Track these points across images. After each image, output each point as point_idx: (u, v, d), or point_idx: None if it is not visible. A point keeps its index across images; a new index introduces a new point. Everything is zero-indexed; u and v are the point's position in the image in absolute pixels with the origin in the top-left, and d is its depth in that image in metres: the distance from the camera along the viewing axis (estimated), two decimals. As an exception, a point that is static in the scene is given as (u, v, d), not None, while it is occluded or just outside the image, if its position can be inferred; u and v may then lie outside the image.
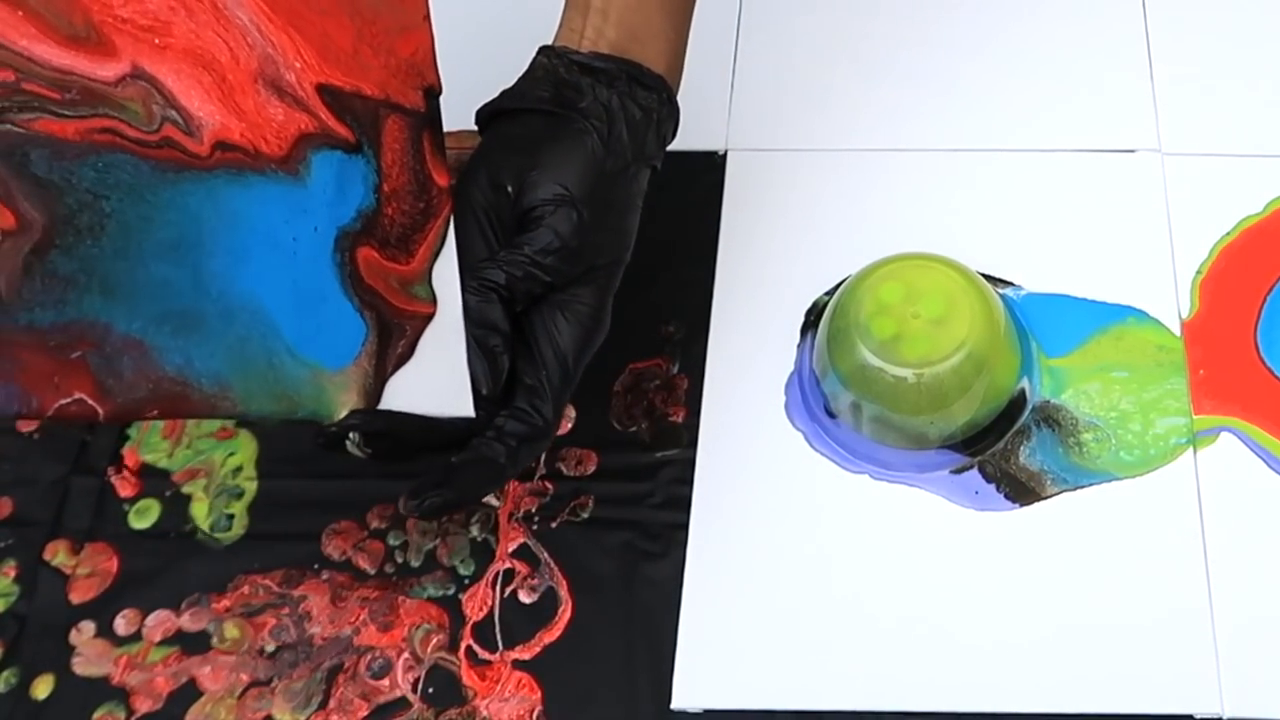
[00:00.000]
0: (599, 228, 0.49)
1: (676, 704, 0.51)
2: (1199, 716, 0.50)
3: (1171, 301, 0.58)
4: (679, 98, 0.53)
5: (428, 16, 0.45)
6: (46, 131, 0.43)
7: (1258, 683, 0.50)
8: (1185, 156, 0.62)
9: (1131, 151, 0.62)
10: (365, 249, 0.47)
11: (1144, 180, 0.61)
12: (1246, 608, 0.51)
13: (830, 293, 0.59)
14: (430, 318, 0.47)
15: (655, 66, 0.51)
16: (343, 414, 0.47)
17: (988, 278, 0.57)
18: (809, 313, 0.59)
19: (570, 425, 0.57)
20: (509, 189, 0.49)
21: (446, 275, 0.47)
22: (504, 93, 0.51)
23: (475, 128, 0.52)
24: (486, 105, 0.51)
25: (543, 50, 0.51)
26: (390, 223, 0.47)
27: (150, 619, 0.54)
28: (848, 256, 0.58)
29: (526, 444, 0.48)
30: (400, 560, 0.55)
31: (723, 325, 0.59)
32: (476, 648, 0.53)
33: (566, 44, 0.51)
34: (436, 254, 0.47)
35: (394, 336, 0.47)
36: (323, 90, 0.45)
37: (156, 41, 0.43)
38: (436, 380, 0.47)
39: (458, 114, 0.49)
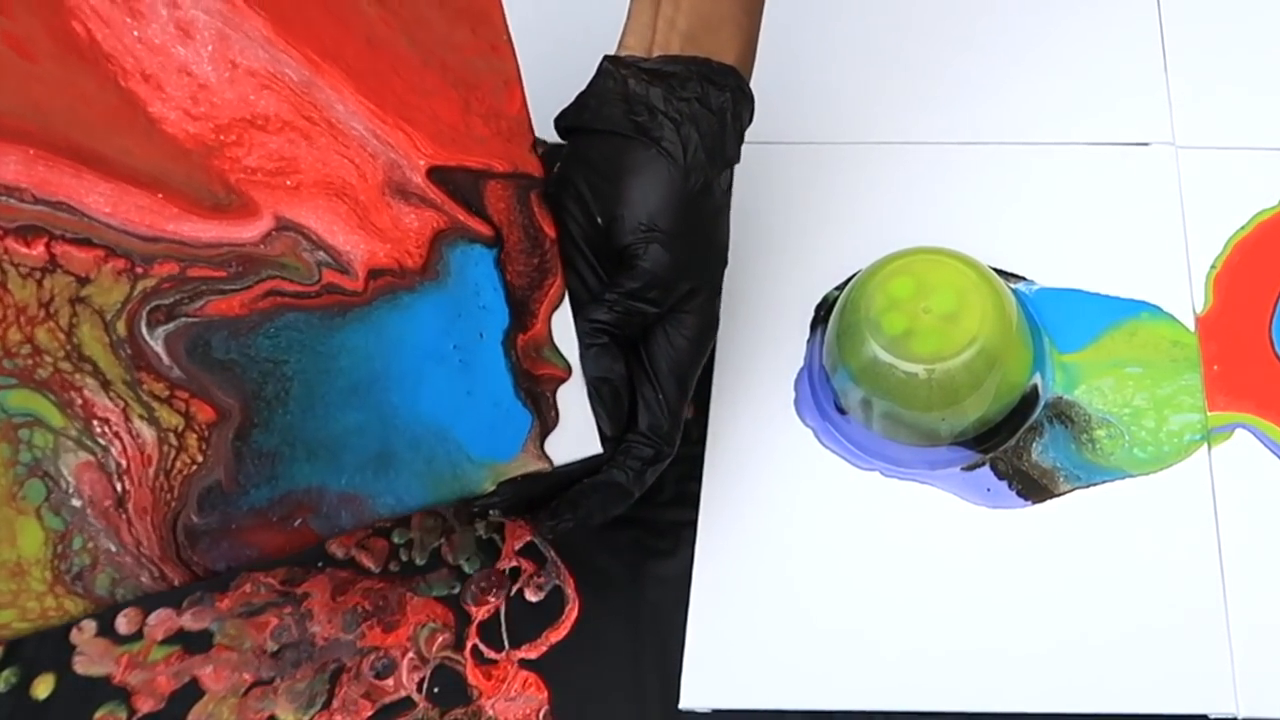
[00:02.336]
0: (692, 248, 0.49)
1: (685, 704, 0.51)
2: (1214, 716, 0.49)
3: (1185, 296, 0.57)
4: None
5: (518, 65, 0.46)
6: (218, 313, 0.44)
7: (1273, 682, 0.50)
8: (1199, 150, 0.61)
9: (1145, 145, 0.62)
10: (518, 334, 0.47)
11: (1158, 174, 0.61)
12: (1262, 606, 0.51)
13: (840, 288, 0.58)
14: (562, 381, 0.48)
15: (727, 53, 0.51)
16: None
17: (999, 272, 0.57)
18: (819, 308, 0.58)
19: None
20: (599, 220, 0.49)
21: (565, 324, 0.48)
22: (579, 104, 0.50)
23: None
24: (564, 116, 0.51)
25: (609, 59, 0.50)
26: (511, 289, 0.47)
27: (152, 618, 0.53)
28: (858, 251, 0.58)
29: (649, 465, 0.49)
30: (405, 558, 0.54)
31: (732, 321, 0.58)
32: (482, 647, 0.52)
33: (636, 41, 0.51)
34: (555, 308, 0.47)
35: (544, 407, 0.48)
36: (433, 173, 0.45)
37: (289, 183, 0.44)
38: (570, 428, 0.48)
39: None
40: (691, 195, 0.49)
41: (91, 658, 0.52)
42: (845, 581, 0.53)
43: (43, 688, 0.52)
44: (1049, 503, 0.54)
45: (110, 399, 0.43)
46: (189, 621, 0.53)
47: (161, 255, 0.43)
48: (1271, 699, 0.49)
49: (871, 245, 0.56)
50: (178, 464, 0.44)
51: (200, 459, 0.44)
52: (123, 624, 0.53)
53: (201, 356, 0.44)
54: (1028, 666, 0.50)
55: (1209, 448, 0.54)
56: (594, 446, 0.48)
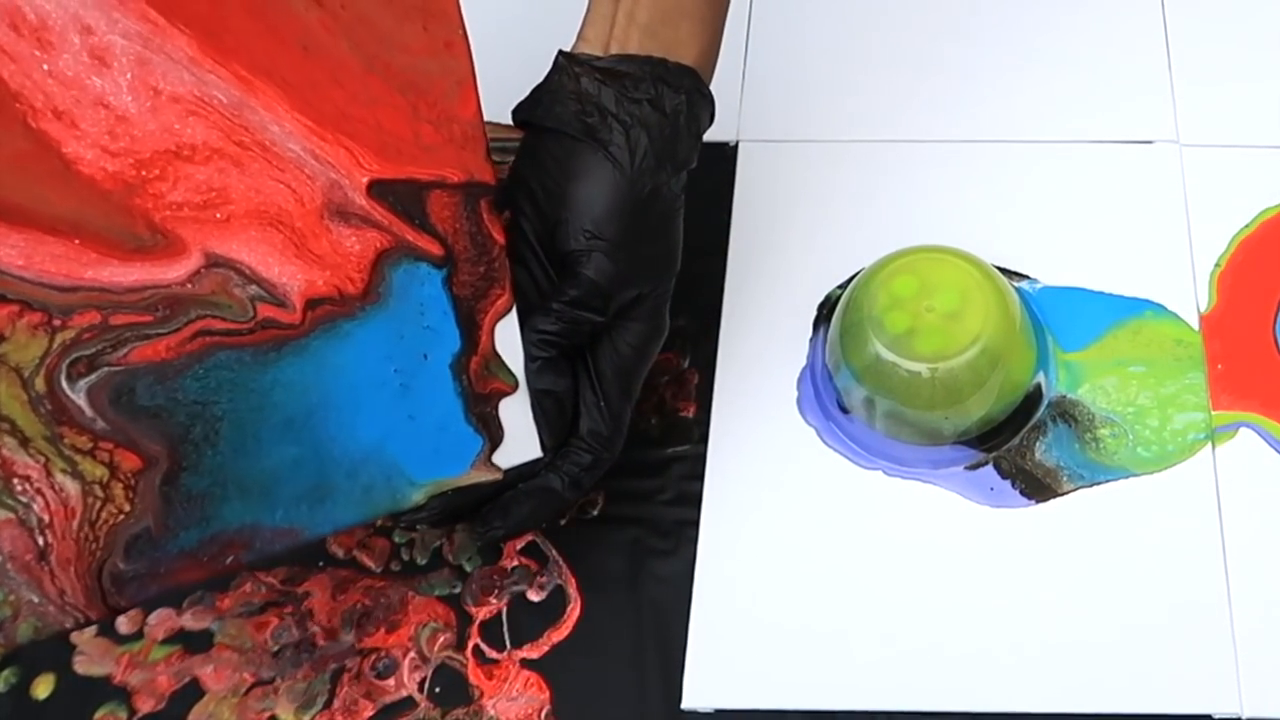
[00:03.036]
0: (638, 256, 0.48)
1: (687, 704, 0.51)
2: (1218, 716, 0.49)
3: (1190, 295, 0.57)
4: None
5: (473, 62, 0.44)
6: (143, 359, 0.41)
7: (1278, 682, 0.49)
8: (1203, 148, 0.61)
9: (1149, 143, 0.61)
10: (470, 358, 0.46)
11: (1162, 172, 0.61)
12: (1266, 606, 0.51)
13: (843, 286, 0.58)
14: (508, 394, 0.47)
15: (687, 50, 0.50)
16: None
17: (1003, 271, 0.56)
18: (821, 306, 0.58)
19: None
20: (549, 221, 0.48)
21: (510, 333, 0.47)
22: (534, 99, 0.50)
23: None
24: (520, 109, 0.50)
25: (564, 55, 0.50)
26: (459, 304, 0.46)
27: (152, 617, 0.53)
28: (861, 249, 0.57)
29: (587, 472, 0.49)
30: (406, 558, 0.54)
31: (734, 319, 0.58)
32: (484, 646, 0.52)
33: (595, 34, 0.50)
34: (501, 318, 0.46)
35: (492, 427, 0.47)
36: (374, 187, 0.43)
37: (218, 215, 0.41)
38: (512, 435, 0.47)
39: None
40: (638, 202, 0.48)
41: (92, 657, 0.52)
42: (848, 581, 0.52)
43: (43, 688, 0.52)
44: (1052, 502, 0.53)
45: (30, 456, 0.41)
46: (189, 621, 0.53)
47: (81, 305, 0.40)
48: (1276, 699, 0.49)
49: (874, 244, 0.56)
50: (103, 514, 0.42)
51: (128, 508, 0.42)
52: (123, 624, 0.53)
53: (126, 405, 0.42)
54: (1031, 666, 0.50)
55: (1213, 447, 0.54)
56: (534, 451, 0.48)
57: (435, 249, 0.44)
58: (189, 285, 0.42)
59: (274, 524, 0.44)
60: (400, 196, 0.44)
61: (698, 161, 0.51)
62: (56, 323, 0.40)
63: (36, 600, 0.42)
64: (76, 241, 0.40)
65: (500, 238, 0.46)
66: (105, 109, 0.39)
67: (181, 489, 0.43)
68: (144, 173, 0.40)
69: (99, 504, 0.42)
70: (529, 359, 0.47)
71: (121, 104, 0.39)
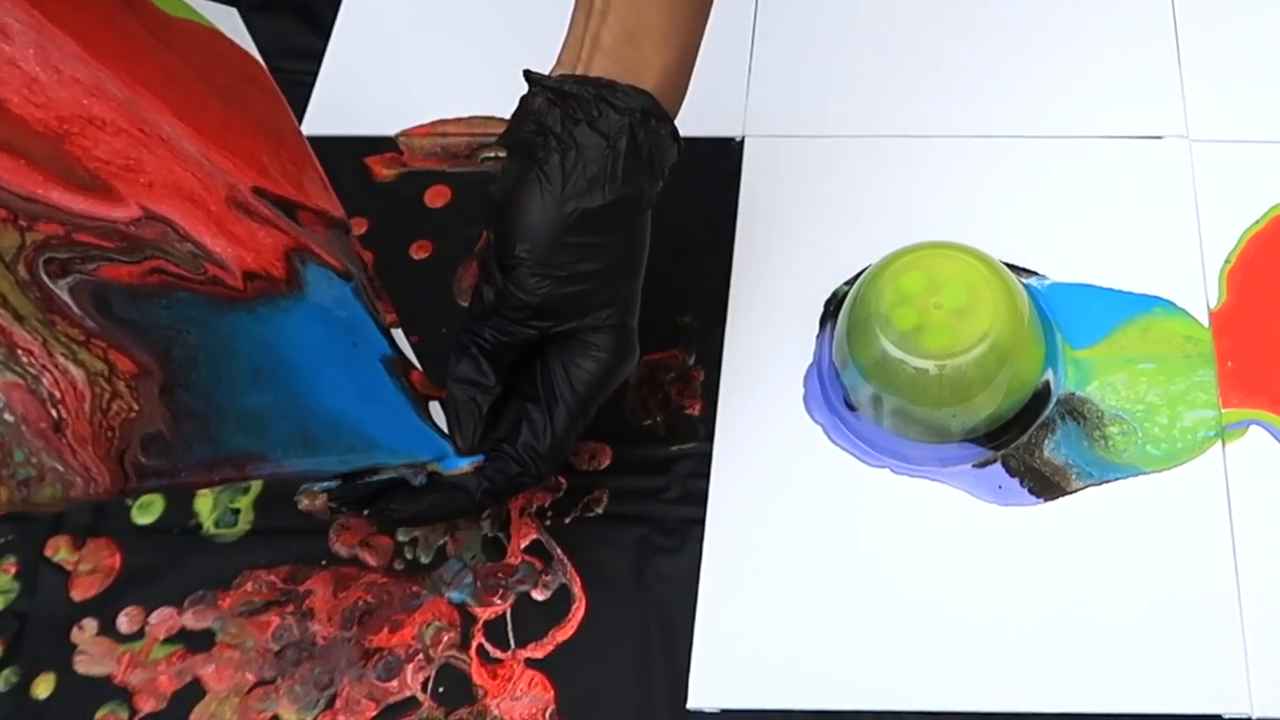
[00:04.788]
0: (568, 276, 0.48)
1: (692, 703, 0.50)
2: (1227, 716, 0.49)
3: (1199, 291, 0.57)
4: (692, 85, 0.51)
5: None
6: (112, 277, 0.41)
7: (1288, 682, 0.49)
8: (1213, 143, 0.61)
9: (1159, 138, 0.61)
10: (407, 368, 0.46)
11: (1171, 167, 0.60)
12: (1276, 604, 0.51)
13: (850, 282, 0.58)
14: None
15: (649, 71, 0.49)
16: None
17: (1011, 267, 0.56)
18: (828, 303, 0.58)
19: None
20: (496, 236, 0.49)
21: (403, 342, 0.47)
22: (509, 121, 0.50)
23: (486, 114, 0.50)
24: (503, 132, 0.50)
25: (527, 76, 0.49)
26: (372, 310, 0.46)
27: (153, 616, 0.53)
28: (868, 245, 0.57)
29: (509, 482, 0.49)
30: (410, 556, 0.54)
31: (740, 316, 0.58)
32: (488, 646, 0.52)
33: (569, 56, 0.49)
34: (393, 329, 0.47)
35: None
36: (261, 195, 0.43)
37: (142, 180, 0.41)
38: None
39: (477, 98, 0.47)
40: (565, 224, 0.47)
41: (93, 657, 0.52)
42: (854, 580, 0.52)
43: (43, 687, 0.51)
44: (1061, 500, 0.53)
45: (28, 332, 0.40)
46: (191, 620, 0.53)
47: (43, 215, 0.40)
48: (1286, 699, 0.49)
49: (882, 240, 0.56)
50: (114, 407, 0.41)
51: (136, 407, 0.42)
52: (124, 623, 0.53)
53: (106, 311, 0.41)
54: (1039, 666, 0.50)
55: (1223, 444, 0.54)
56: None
57: (334, 262, 0.44)
58: (133, 228, 0.41)
59: (278, 460, 0.44)
60: (285, 209, 0.44)
61: (708, 158, 0.50)
62: (24, 224, 0.40)
63: (61, 469, 0.41)
64: (22, 163, 0.40)
65: (367, 257, 0.46)
66: (18, 69, 0.40)
67: (181, 404, 0.42)
68: (66, 127, 0.40)
69: (107, 395, 0.41)
70: (454, 358, 0.48)
71: (31, 70, 0.40)
